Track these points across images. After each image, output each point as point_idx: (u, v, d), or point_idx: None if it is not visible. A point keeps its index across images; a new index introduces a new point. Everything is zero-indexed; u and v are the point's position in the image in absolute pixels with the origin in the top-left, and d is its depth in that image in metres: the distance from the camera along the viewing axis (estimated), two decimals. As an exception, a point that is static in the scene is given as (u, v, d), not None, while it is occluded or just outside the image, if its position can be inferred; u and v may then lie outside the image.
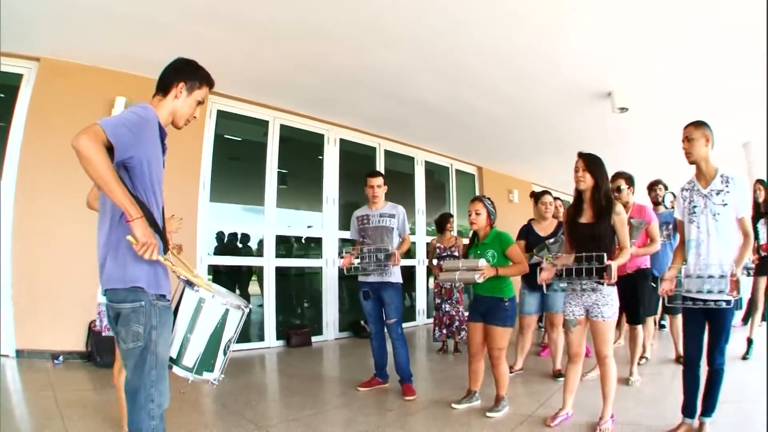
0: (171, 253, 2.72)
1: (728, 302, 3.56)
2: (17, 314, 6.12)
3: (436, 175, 12.32)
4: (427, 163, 11.66)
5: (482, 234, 4.76)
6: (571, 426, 4.13)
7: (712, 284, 3.54)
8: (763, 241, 6.42)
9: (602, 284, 3.85)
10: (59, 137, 6.13)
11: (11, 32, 5.53)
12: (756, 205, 6.34)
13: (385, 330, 5.54)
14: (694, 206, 3.75)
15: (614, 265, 3.78)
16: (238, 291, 8.14)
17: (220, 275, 8.15)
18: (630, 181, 5.56)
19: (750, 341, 6.26)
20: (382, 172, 8.33)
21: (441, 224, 7.88)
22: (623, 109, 7.87)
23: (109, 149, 2.25)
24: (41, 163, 6.26)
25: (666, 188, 6.69)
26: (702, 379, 3.77)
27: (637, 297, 5.38)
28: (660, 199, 6.55)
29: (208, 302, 2.70)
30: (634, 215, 5.35)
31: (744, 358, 6.09)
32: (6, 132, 6.35)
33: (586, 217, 4.09)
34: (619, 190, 5.41)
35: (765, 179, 6.83)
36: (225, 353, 2.79)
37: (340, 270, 8.26)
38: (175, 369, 2.65)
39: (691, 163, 3.81)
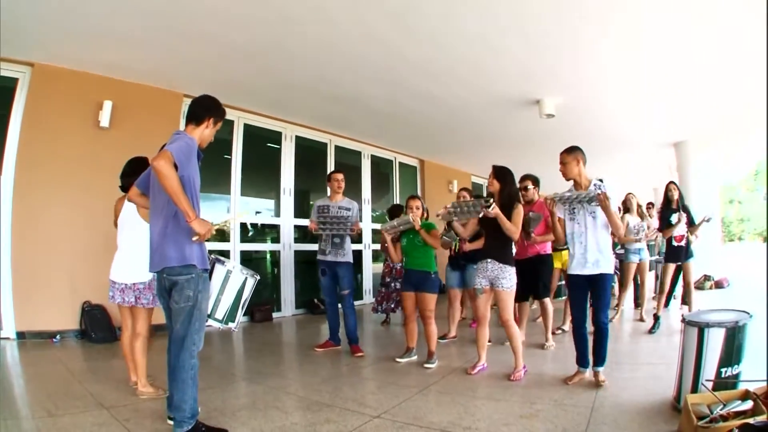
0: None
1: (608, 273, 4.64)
2: (16, 299, 6.63)
3: (381, 168, 13.15)
4: (372, 156, 12.56)
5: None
6: (491, 374, 5.17)
7: (592, 263, 4.63)
8: (676, 233, 7.29)
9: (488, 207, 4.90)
10: (53, 136, 6.84)
11: (7, 39, 5.91)
12: (668, 201, 7.37)
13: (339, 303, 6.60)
14: (574, 209, 4.74)
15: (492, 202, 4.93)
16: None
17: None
18: (536, 182, 6.61)
19: (656, 318, 7.18)
20: (333, 165, 9.29)
21: (394, 213, 8.38)
22: (550, 116, 8.96)
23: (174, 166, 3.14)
24: (37, 159, 6.81)
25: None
26: (590, 338, 4.71)
27: (538, 277, 6.39)
28: None
29: (234, 273, 4.06)
30: (536, 210, 6.31)
31: (651, 332, 7.00)
32: (5, 130, 6.76)
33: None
34: (526, 189, 6.49)
35: (676, 181, 7.88)
36: (242, 308, 4.12)
37: (296, 253, 9.26)
38: (211, 321, 3.89)
39: (568, 180, 4.86)
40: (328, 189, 6.77)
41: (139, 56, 6.96)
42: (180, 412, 3.38)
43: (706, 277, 11.97)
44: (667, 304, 8.47)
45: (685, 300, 8.45)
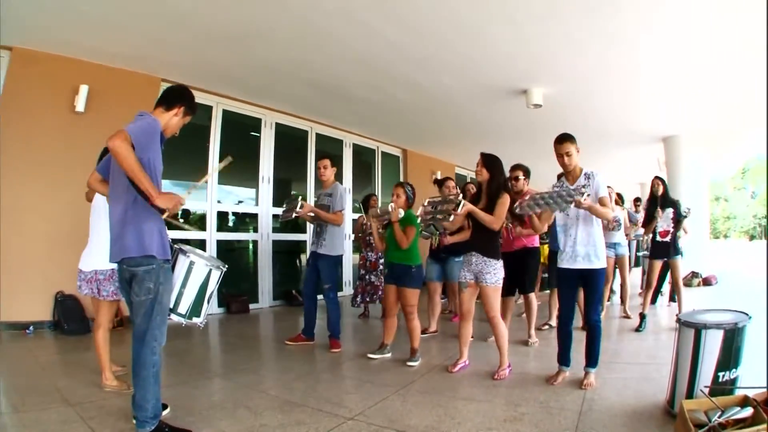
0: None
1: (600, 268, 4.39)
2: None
3: (363, 157, 12.96)
4: (354, 145, 12.35)
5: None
6: (473, 372, 4.96)
7: (583, 257, 4.39)
8: (660, 228, 7.12)
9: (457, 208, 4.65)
10: (29, 121, 6.67)
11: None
12: (654, 197, 7.15)
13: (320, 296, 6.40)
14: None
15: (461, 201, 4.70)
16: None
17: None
18: (527, 172, 6.33)
19: (643, 316, 6.95)
20: (314, 153, 9.06)
21: (365, 204, 8.58)
22: (537, 106, 8.79)
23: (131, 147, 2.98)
24: (12, 144, 6.62)
25: None
26: (578, 336, 4.59)
27: (524, 271, 6.17)
28: None
29: (197, 264, 3.73)
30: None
31: (637, 330, 6.80)
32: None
33: (482, 203, 4.95)
34: (516, 179, 6.20)
35: (664, 177, 7.60)
36: (208, 302, 3.84)
37: (275, 243, 9.09)
38: (173, 316, 3.61)
39: (569, 172, 4.57)
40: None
41: (116, 40, 6.78)
42: (142, 412, 3.24)
43: (694, 274, 11.77)
44: (653, 301, 8.43)
45: (673, 297, 8.46)
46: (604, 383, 4.41)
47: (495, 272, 4.88)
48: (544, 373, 4.82)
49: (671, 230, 7.07)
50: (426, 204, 5.09)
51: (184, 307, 3.70)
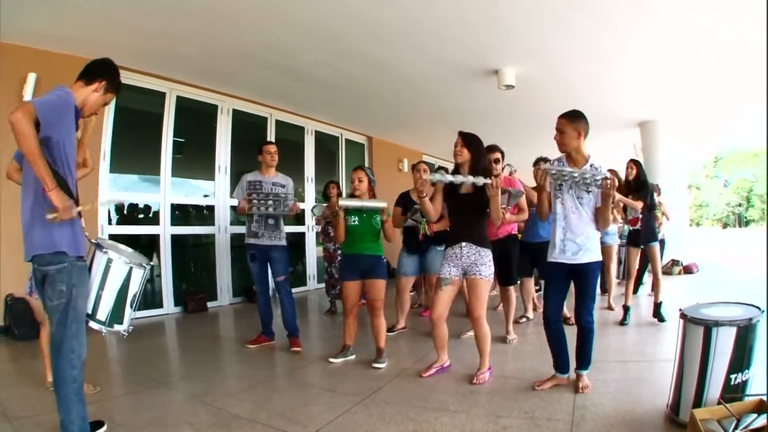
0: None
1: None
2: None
3: (327, 145, 12.45)
4: (317, 132, 11.80)
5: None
6: (448, 376, 4.47)
7: (575, 250, 3.89)
8: (630, 216, 6.87)
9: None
10: None
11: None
12: (626, 182, 6.79)
13: (273, 290, 6.01)
14: (561, 185, 3.93)
15: (495, 181, 4.15)
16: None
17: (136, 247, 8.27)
18: (503, 154, 5.85)
19: (627, 308, 6.56)
20: (274, 141, 8.60)
21: (324, 193, 8.31)
22: (509, 87, 8.27)
23: (36, 124, 2.61)
24: None
25: None
26: (573, 336, 4.04)
27: (509, 259, 5.76)
28: None
29: (114, 262, 3.17)
30: (505, 185, 5.47)
31: (622, 323, 6.39)
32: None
33: (465, 188, 4.37)
34: (497, 161, 5.69)
35: (640, 161, 7.12)
36: (132, 307, 3.28)
37: (233, 237, 8.63)
38: (91, 323, 3.10)
39: (563, 152, 4.03)
40: (261, 163, 5.98)
41: (64, 23, 6.26)
42: None
43: (675, 262, 11.50)
44: (635, 290, 8.06)
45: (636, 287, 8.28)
46: (595, 387, 3.92)
47: (490, 263, 4.39)
48: (526, 375, 4.36)
49: (639, 217, 6.74)
50: (431, 177, 4.42)
51: (103, 313, 3.17)
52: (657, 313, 6.44)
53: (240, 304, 9.44)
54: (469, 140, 4.46)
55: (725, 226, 58.53)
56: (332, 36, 6.96)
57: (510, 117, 10.78)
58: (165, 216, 8.44)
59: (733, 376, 2.98)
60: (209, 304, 8.85)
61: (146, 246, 8.24)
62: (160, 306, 8.21)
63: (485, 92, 9.12)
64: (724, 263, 14.51)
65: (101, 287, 3.13)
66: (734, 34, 6.81)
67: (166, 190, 8.47)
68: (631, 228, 6.91)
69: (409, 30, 6.82)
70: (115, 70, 3.20)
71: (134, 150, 8.38)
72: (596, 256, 3.93)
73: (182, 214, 9.11)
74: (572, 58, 7.83)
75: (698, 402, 3.01)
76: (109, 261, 3.16)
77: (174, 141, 8.55)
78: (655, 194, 7.13)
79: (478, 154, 4.45)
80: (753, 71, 8.06)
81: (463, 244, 4.39)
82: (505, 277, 5.85)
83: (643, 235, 6.71)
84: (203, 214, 9.51)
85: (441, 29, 6.82)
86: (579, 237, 3.89)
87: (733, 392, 2.95)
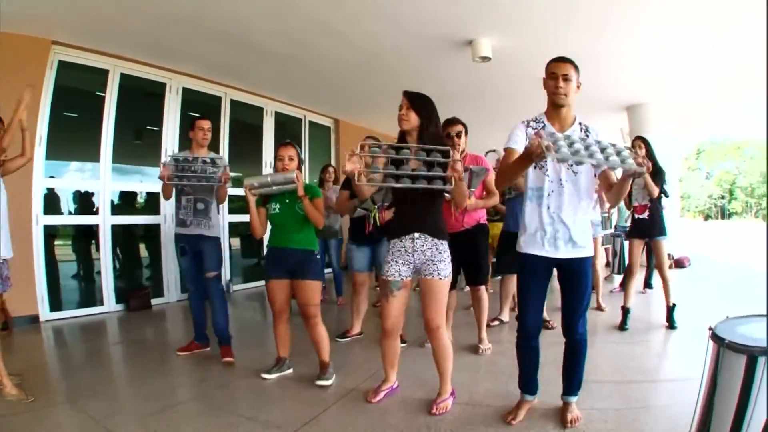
0: None
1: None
2: None
3: (289, 127, 11.67)
4: (277, 114, 11.01)
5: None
6: (403, 400, 3.67)
7: (563, 240, 2.98)
8: (635, 203, 6.09)
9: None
10: None
11: None
12: None
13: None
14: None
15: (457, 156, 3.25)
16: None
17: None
18: (466, 128, 4.88)
19: (626, 310, 5.78)
20: (228, 122, 8.10)
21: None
22: (485, 59, 7.50)
23: None
24: None
25: None
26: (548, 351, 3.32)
27: (478, 254, 4.79)
28: None
29: None
30: (470, 163, 4.68)
31: (621, 329, 5.64)
32: None
33: (415, 164, 3.39)
34: (458, 135, 4.72)
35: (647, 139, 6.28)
36: None
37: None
38: None
39: (560, 106, 3.13)
40: (192, 141, 5.19)
41: None
42: None
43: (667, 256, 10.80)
44: (647, 286, 7.95)
45: (649, 284, 7.90)
46: (590, 418, 3.10)
47: (448, 260, 3.50)
48: (500, 400, 3.54)
49: (648, 205, 5.93)
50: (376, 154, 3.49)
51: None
52: (669, 318, 5.72)
53: (188, 301, 8.53)
54: (416, 101, 3.63)
55: (707, 218, 59.56)
56: (287, 3, 6.24)
57: (488, 95, 10.13)
58: (105, 205, 7.66)
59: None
60: (154, 301, 8.07)
61: (85, 237, 7.65)
62: (101, 304, 7.44)
63: (459, 67, 8.43)
64: (711, 255, 14.25)
65: None
66: (733, 16, 6.26)
67: (106, 177, 7.68)
68: (637, 216, 6.06)
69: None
70: None
71: (72, 132, 7.63)
72: (589, 250, 3.05)
73: (125, 203, 8.36)
74: (555, 30, 7.09)
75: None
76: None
77: (130, 127, 8.03)
78: None
79: (429, 118, 3.60)
80: (750, 56, 7.59)
81: (416, 235, 3.47)
82: (474, 275, 4.89)
83: (651, 228, 5.95)
84: (148, 203, 8.76)
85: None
86: (567, 224, 2.99)
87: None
